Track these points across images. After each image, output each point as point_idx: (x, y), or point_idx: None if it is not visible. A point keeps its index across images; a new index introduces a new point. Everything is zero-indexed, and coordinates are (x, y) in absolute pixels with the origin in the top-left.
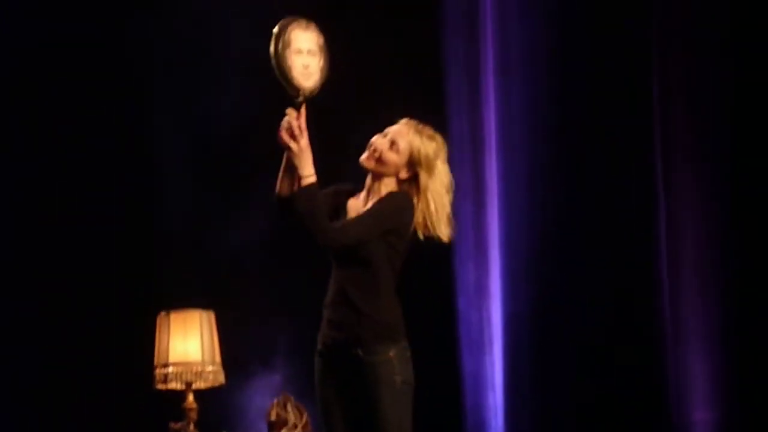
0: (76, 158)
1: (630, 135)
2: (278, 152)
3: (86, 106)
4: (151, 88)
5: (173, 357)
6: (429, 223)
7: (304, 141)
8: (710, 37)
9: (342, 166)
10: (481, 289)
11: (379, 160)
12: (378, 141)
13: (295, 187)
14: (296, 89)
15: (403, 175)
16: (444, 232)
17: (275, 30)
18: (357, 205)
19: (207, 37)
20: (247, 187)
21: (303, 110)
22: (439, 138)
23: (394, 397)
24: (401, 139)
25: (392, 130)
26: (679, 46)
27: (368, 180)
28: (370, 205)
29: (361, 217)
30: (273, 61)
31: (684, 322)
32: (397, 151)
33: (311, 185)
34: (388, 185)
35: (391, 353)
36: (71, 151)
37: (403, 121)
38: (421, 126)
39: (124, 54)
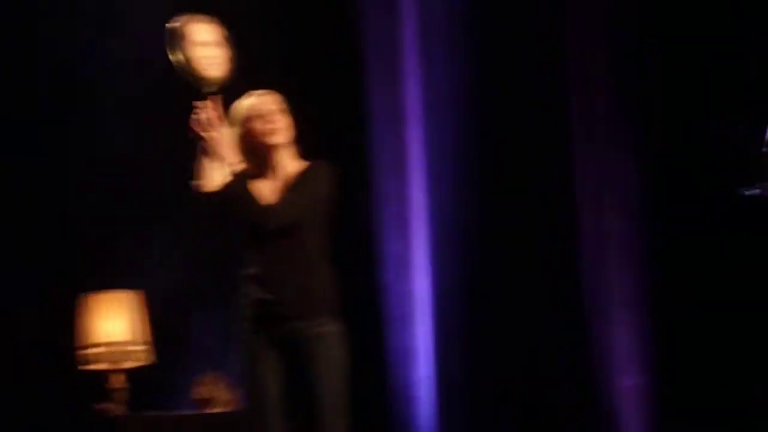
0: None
1: (548, 101)
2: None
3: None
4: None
5: (100, 337)
6: None
7: (218, 131)
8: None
9: None
10: (406, 262)
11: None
12: (280, 118)
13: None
14: (200, 80)
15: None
16: None
17: (172, 26)
18: (272, 185)
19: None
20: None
21: (217, 101)
22: None
23: (334, 371)
24: (283, 105)
25: (269, 105)
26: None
27: (273, 157)
28: (288, 179)
29: (299, 191)
30: (173, 56)
31: (606, 291)
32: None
33: (240, 172)
34: (287, 153)
35: (334, 327)
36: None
37: (253, 93)
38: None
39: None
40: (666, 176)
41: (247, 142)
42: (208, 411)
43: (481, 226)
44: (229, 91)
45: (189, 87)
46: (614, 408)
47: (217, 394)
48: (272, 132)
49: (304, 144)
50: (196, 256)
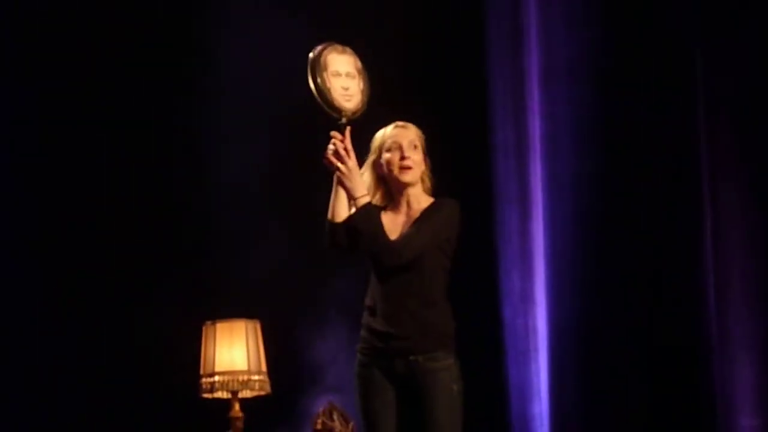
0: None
1: (675, 144)
2: (326, 172)
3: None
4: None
5: (219, 366)
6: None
7: (352, 162)
8: (756, 50)
9: None
10: (526, 297)
11: (416, 170)
12: (414, 153)
13: (350, 210)
14: (338, 111)
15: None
16: None
17: (311, 55)
18: (398, 219)
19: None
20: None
21: (348, 132)
22: None
23: (450, 405)
24: (420, 140)
25: (407, 140)
26: (725, 58)
27: (402, 192)
28: (414, 215)
29: (421, 230)
30: (312, 85)
31: (730, 330)
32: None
33: (367, 205)
34: (418, 188)
35: (450, 360)
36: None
37: (398, 125)
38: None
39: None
40: None
41: (380, 171)
42: None
43: (600, 262)
44: (359, 122)
45: (324, 116)
46: None
47: (335, 425)
48: (405, 167)
49: (435, 180)
50: (312, 284)
